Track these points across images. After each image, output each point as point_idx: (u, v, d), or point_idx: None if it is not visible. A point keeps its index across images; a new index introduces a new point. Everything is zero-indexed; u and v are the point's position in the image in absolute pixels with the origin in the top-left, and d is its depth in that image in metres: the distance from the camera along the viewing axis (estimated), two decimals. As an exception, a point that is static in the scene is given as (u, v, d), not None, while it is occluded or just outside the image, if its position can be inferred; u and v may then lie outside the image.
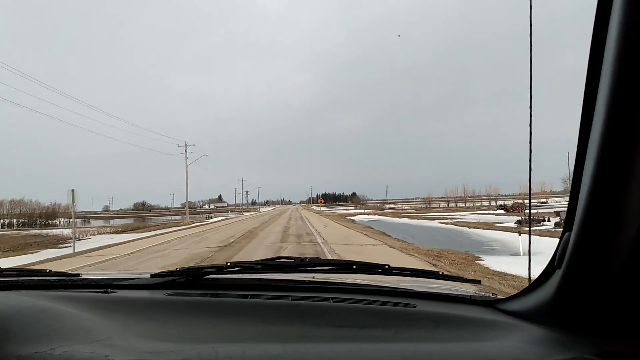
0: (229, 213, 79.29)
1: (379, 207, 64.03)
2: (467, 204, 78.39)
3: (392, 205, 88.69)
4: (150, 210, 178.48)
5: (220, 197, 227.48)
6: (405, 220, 34.55)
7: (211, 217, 45.27)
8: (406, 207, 75.54)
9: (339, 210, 74.95)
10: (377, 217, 41.41)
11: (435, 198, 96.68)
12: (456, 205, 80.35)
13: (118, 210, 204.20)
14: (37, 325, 0.77)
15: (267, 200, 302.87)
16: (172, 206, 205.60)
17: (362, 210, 54.23)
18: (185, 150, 41.42)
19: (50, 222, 72.69)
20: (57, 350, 0.68)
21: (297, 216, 44.84)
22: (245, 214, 74.47)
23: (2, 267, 1.36)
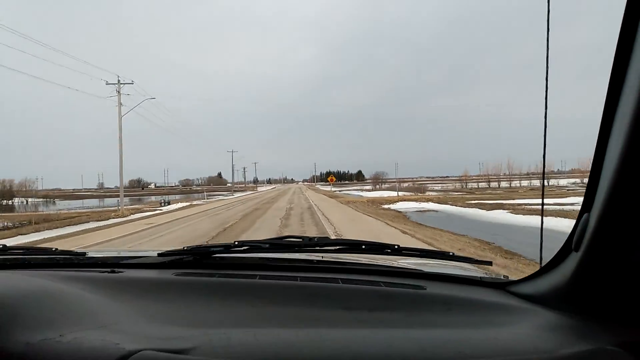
0: (218, 194, 64.03)
1: (415, 188, 48.04)
2: (512, 184, 62.01)
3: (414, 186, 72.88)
4: (143, 189, 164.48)
5: (219, 174, 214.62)
6: (497, 213, 18.49)
7: (168, 204, 29.02)
8: (437, 188, 59.53)
9: (354, 191, 58.94)
10: (431, 205, 25.03)
11: (473, 176, 79.65)
12: (499, 185, 64.04)
13: (113, 188, 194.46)
14: (45, 310, 0.74)
15: (269, 179, 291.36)
16: (167, 183, 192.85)
17: (392, 193, 37.91)
18: (119, 91, 23.01)
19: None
20: (66, 337, 0.66)
21: (301, 202, 29.00)
22: (237, 194, 59.46)
23: (7, 245, 1.32)
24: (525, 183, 64.87)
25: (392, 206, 25.05)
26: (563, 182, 58.60)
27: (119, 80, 23.04)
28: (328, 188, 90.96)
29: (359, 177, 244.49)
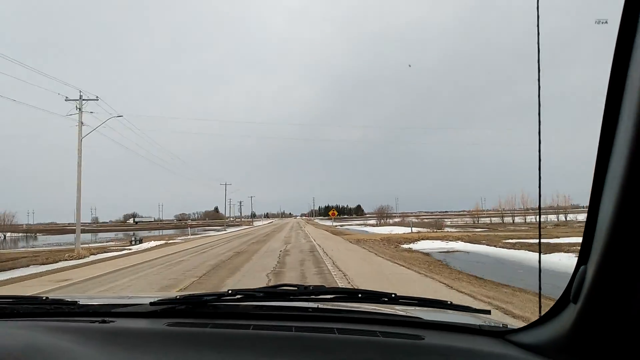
0: (210, 229, 58.75)
1: (430, 223, 42.44)
2: (527, 219, 56.91)
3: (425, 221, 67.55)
4: (136, 223, 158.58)
5: (216, 209, 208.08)
6: (558, 257, 13.54)
7: (140, 242, 23.90)
8: (447, 222, 54.46)
9: (356, 226, 53.80)
10: (461, 245, 20.09)
11: (483, 211, 74.32)
12: (513, 220, 58.92)
13: (107, 222, 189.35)
14: None
15: (267, 213, 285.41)
16: (161, 218, 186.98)
17: (402, 229, 32.86)
18: (79, 108, 18.94)
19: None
20: None
21: (300, 240, 23.94)
22: (230, 229, 54.26)
23: None
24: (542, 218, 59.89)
25: (413, 246, 20.11)
26: (581, 217, 53.72)
27: (79, 100, 19.57)
28: (328, 223, 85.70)
29: (358, 211, 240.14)
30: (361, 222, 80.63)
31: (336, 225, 54.34)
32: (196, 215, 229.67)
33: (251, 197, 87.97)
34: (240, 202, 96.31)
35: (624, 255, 0.59)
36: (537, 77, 0.89)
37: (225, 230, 45.59)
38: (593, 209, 0.65)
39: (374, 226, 51.45)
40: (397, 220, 61.58)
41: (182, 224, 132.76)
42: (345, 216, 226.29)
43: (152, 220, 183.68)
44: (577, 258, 0.69)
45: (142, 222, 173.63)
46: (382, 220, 58.46)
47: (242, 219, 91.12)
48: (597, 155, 0.63)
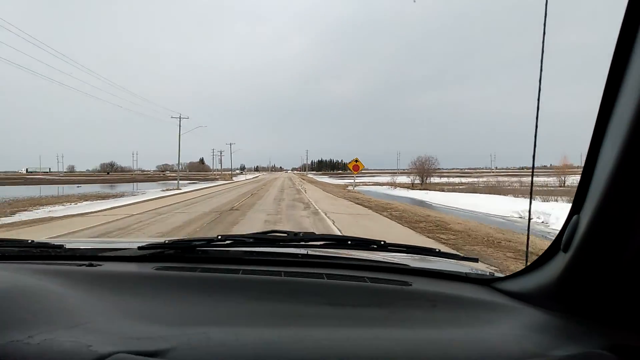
0: (171, 183, 41.95)
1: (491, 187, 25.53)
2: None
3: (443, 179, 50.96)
4: (108, 173, 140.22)
5: (202, 160, 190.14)
6: None
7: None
8: (455, 180, 38.39)
9: (379, 188, 37.01)
10: None
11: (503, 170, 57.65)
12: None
13: (85, 172, 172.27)
14: (15, 308, 0.69)
15: (257, 166, 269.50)
16: (135, 168, 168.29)
17: (465, 196, 16.00)
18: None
19: None
20: (35, 339, 0.60)
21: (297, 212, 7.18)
22: (204, 184, 37.52)
23: None
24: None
25: None
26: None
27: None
28: (325, 179, 69.07)
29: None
30: (370, 178, 62.83)
31: (346, 185, 37.57)
32: (180, 167, 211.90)
33: (230, 144, 69.67)
34: (221, 152, 78.37)
35: (620, 205, 0.59)
36: (541, 30, 0.82)
37: (165, 193, 28.22)
38: (590, 161, 0.64)
39: (413, 188, 34.35)
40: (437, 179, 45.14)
41: (156, 175, 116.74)
42: (339, 172, 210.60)
43: (130, 171, 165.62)
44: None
45: (116, 172, 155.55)
46: (425, 179, 40.34)
47: (223, 172, 73.57)
48: (599, 108, 0.62)
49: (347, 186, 39.18)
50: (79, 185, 47.15)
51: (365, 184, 44.60)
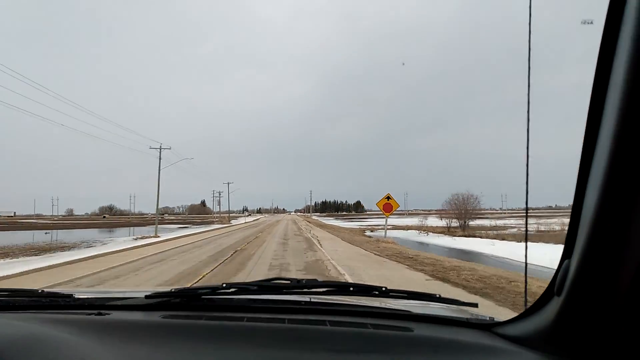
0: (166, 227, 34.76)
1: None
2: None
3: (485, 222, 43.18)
4: (104, 217, 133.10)
5: (203, 202, 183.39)
6: None
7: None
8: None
9: (385, 230, 29.62)
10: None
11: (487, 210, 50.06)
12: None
13: (82, 215, 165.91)
14: (33, 356, 0.72)
15: (260, 208, 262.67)
16: (134, 210, 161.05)
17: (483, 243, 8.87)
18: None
19: None
20: None
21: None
22: (194, 229, 30.34)
23: None
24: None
25: None
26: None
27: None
28: (334, 222, 61.50)
29: (357, 208, 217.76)
30: (376, 221, 54.50)
31: (363, 230, 30.02)
32: (180, 209, 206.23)
33: (228, 183, 62.59)
34: (219, 193, 71.52)
35: (605, 249, 0.61)
36: (527, 78, 0.87)
37: (135, 243, 20.92)
38: (577, 206, 0.67)
39: (450, 233, 26.95)
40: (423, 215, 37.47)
41: (154, 219, 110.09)
42: (343, 213, 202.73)
43: (129, 213, 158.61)
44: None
45: (114, 216, 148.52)
46: (464, 222, 31.64)
47: (222, 215, 66.09)
48: (581, 155, 0.65)
49: (364, 231, 31.50)
50: (47, 231, 40.19)
51: (384, 227, 36.98)
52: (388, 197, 17.64)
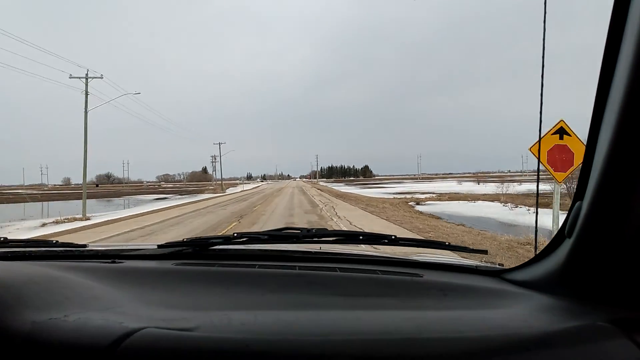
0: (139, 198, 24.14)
1: None
2: None
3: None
4: (97, 186, 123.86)
5: (204, 169, 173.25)
6: None
7: None
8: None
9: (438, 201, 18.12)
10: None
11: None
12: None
13: (79, 184, 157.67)
14: (50, 293, 0.74)
15: (265, 175, 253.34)
16: (131, 178, 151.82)
17: None
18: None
19: None
20: (70, 317, 0.65)
21: None
22: (172, 202, 19.94)
23: (8, 238, 1.29)
24: None
25: None
26: None
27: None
28: (346, 188, 50.63)
29: (365, 173, 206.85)
30: (395, 185, 42.33)
31: (394, 196, 19.07)
32: (181, 176, 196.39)
33: (219, 143, 51.33)
34: (214, 157, 60.42)
35: (617, 190, 0.61)
36: (541, 36, 0.84)
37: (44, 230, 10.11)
38: (590, 149, 0.67)
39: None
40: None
41: (150, 187, 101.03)
42: (351, 178, 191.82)
43: (146, 182, 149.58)
44: None
45: (112, 184, 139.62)
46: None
47: (221, 182, 55.37)
48: (594, 104, 0.66)
49: (406, 202, 20.52)
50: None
51: (419, 198, 25.34)
52: (561, 132, 6.67)
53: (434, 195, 27.88)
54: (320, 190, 39.59)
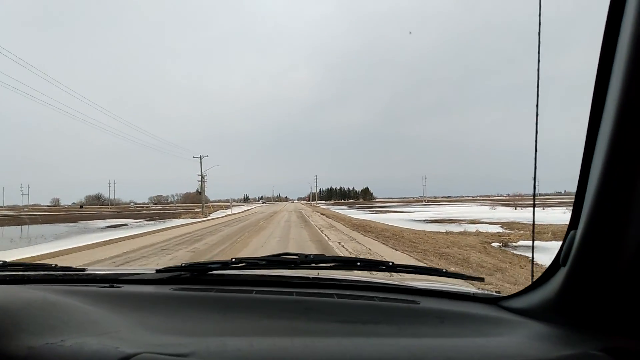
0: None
1: None
2: None
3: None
4: (81, 207, 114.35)
5: (198, 190, 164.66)
6: None
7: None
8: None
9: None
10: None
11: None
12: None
13: (69, 205, 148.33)
14: (47, 318, 0.73)
15: (262, 196, 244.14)
16: (114, 198, 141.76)
17: None
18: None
19: None
20: (67, 342, 0.65)
21: None
22: (131, 231, 11.33)
23: (7, 261, 1.27)
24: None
25: None
26: None
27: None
28: (348, 212, 41.86)
29: (365, 195, 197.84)
30: (403, 208, 32.57)
31: (434, 226, 10.55)
32: (175, 197, 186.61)
33: (200, 157, 42.95)
34: (202, 175, 51.71)
35: (610, 219, 0.62)
36: (537, 62, 0.86)
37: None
38: (583, 178, 0.68)
39: None
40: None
41: (136, 210, 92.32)
42: (351, 200, 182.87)
43: (133, 204, 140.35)
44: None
45: (102, 205, 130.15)
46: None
47: (215, 204, 46.33)
48: (587, 126, 0.66)
49: (446, 233, 11.79)
50: None
51: (488, 234, 15.97)
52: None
53: (503, 228, 18.99)
54: (324, 215, 30.65)
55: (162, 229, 20.61)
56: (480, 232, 15.27)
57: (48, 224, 33.84)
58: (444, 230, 15.76)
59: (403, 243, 10.71)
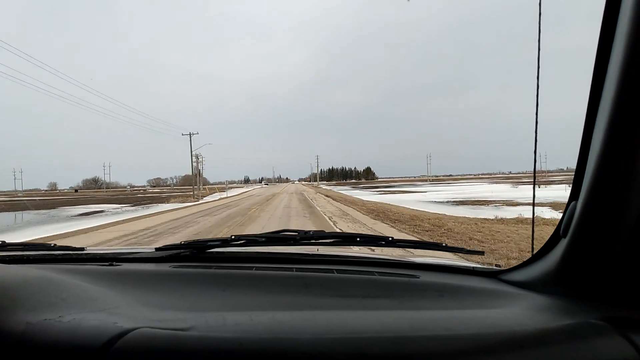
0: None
1: None
2: None
3: None
4: (76, 191, 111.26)
5: (199, 172, 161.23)
6: None
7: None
8: None
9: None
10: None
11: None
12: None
13: (66, 189, 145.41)
14: (45, 294, 0.73)
15: (262, 178, 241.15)
16: (111, 181, 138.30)
17: None
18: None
19: None
20: (65, 318, 0.65)
21: None
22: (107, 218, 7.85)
23: (7, 241, 1.27)
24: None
25: None
26: None
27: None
28: (353, 192, 38.37)
29: (367, 175, 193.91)
30: (409, 188, 28.65)
31: (465, 210, 6.86)
32: (174, 180, 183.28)
33: (190, 134, 39.27)
34: (197, 157, 47.89)
35: (611, 189, 0.62)
36: (537, 37, 0.86)
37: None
38: (584, 149, 0.68)
39: None
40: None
41: (132, 193, 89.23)
42: (352, 181, 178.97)
43: (129, 186, 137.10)
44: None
45: (99, 189, 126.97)
46: None
47: (211, 186, 42.77)
48: (587, 105, 0.66)
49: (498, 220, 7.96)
50: None
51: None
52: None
53: (555, 210, 15.34)
54: (330, 197, 27.00)
55: (137, 217, 17.05)
56: (539, 217, 11.54)
57: (21, 210, 30.35)
58: (493, 217, 12.02)
59: (472, 244, 6.95)
